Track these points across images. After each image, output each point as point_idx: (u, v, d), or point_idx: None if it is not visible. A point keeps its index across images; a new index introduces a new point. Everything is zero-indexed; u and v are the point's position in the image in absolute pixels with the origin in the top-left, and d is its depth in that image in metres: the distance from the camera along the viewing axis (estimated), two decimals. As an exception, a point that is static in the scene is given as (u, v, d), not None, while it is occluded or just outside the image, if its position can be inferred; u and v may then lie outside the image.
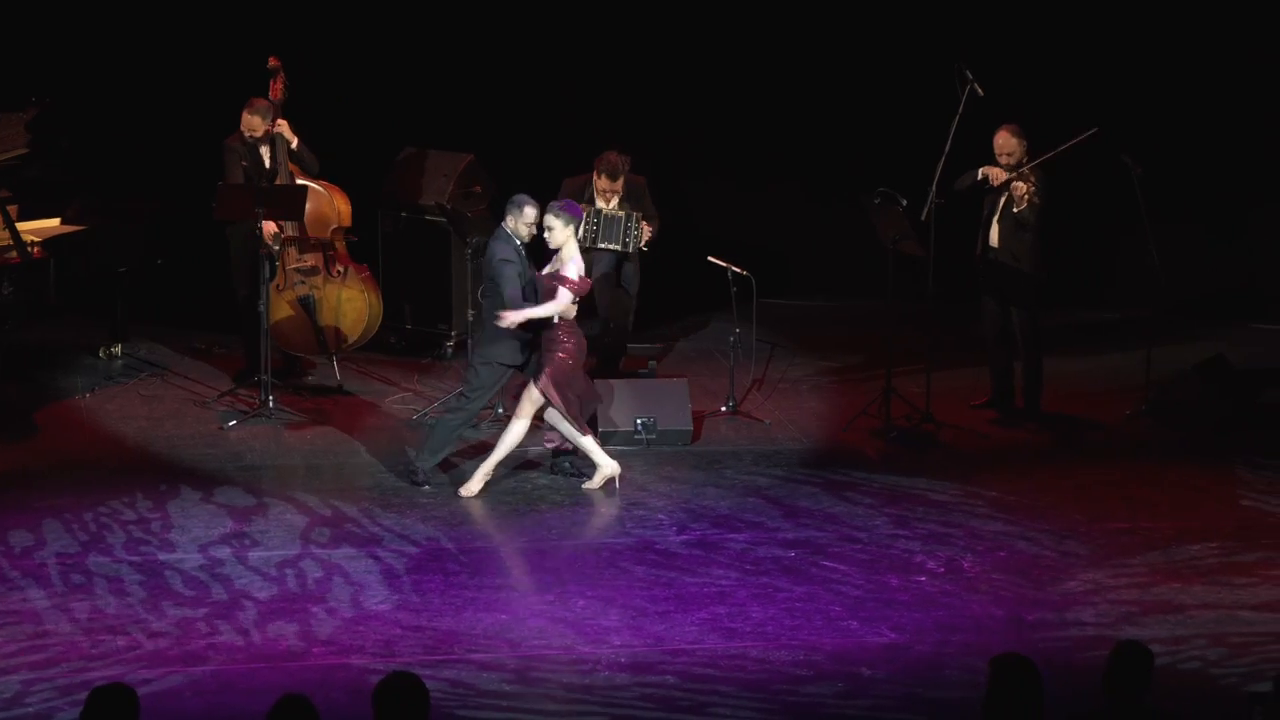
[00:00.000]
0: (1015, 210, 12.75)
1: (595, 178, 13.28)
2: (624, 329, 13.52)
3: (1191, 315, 15.19)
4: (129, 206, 13.79)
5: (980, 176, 12.82)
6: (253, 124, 13.12)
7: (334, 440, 12.57)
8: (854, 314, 15.34)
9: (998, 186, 12.79)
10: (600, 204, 13.27)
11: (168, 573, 10.35)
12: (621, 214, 13.19)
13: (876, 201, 12.88)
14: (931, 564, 10.65)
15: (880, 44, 15.77)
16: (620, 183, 13.23)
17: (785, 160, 15.95)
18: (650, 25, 15.84)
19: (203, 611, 9.88)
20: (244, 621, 9.75)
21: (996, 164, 12.83)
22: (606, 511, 11.41)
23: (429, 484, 11.58)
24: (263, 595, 10.10)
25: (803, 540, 10.97)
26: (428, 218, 14.26)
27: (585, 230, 13.18)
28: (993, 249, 12.94)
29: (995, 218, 12.90)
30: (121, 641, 9.49)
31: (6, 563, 10.45)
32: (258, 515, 11.16)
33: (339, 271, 13.54)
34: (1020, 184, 12.70)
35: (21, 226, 12.84)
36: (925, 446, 12.62)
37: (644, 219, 13.23)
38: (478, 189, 14.32)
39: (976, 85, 12.84)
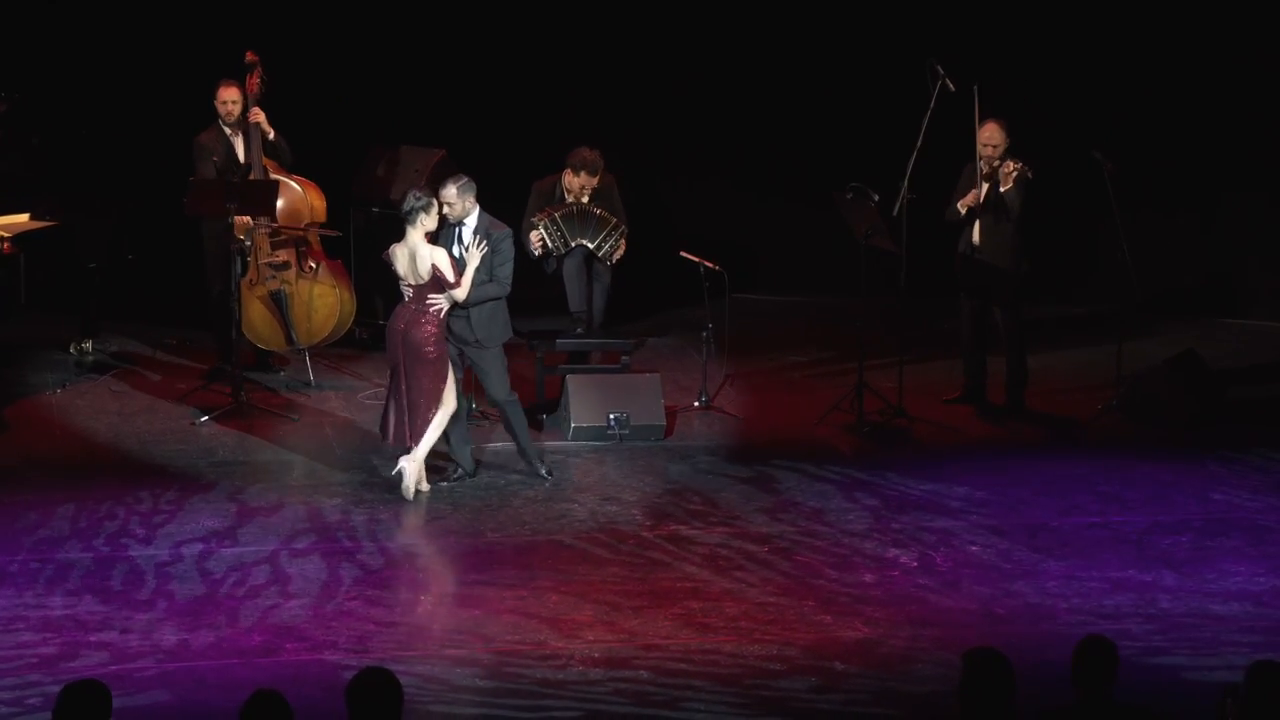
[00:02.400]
0: (1003, 190, 12.77)
1: (569, 176, 13.24)
2: (595, 324, 13.51)
3: (1162, 311, 15.25)
4: (99, 202, 13.74)
5: (963, 211, 12.87)
6: (230, 95, 13.12)
7: (306, 436, 12.55)
8: (826, 309, 15.36)
9: (982, 179, 12.80)
10: (572, 200, 13.24)
11: (139, 569, 10.32)
12: (598, 211, 13.14)
13: (849, 196, 12.91)
14: (904, 558, 10.67)
15: (852, 40, 15.79)
16: (598, 179, 13.20)
17: (757, 155, 15.97)
18: (621, 21, 15.84)
19: (175, 608, 9.85)
20: (216, 617, 9.72)
21: (973, 159, 12.87)
22: (580, 507, 11.40)
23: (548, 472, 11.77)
24: (235, 591, 10.07)
25: (775, 535, 10.98)
26: (399, 213, 14.20)
27: (551, 238, 13.11)
28: (974, 246, 12.96)
29: (977, 216, 12.92)
30: (94, 638, 9.46)
31: (-23, 559, 10.43)
32: (230, 511, 11.13)
33: (311, 267, 13.52)
34: (1009, 163, 12.73)
35: (7, 220, 12.79)
36: (898, 441, 12.65)
37: (618, 224, 13.16)
38: (449, 185, 14.29)
39: (948, 80, 12.86)
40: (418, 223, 11.18)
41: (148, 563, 10.40)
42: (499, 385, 11.58)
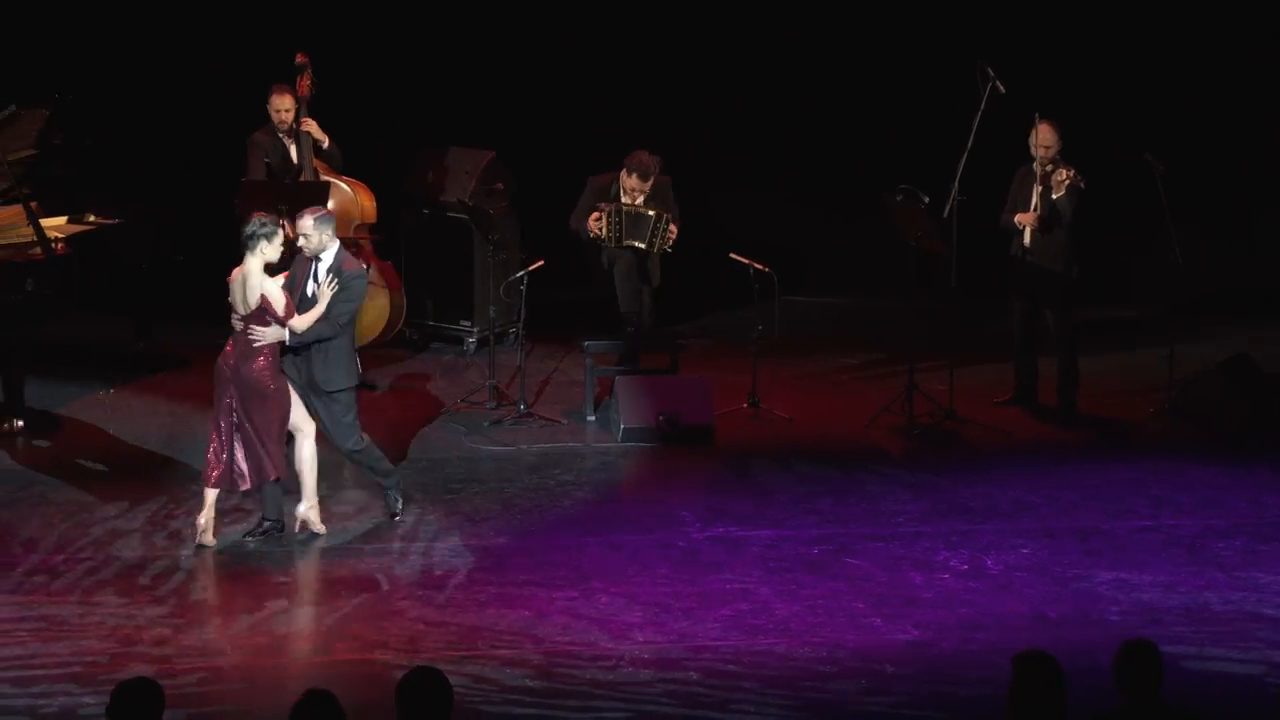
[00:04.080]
0: (1055, 198, 12.74)
1: (625, 176, 13.25)
2: (644, 326, 13.50)
3: (1214, 313, 15.16)
4: (151, 203, 13.80)
5: (1020, 226, 12.84)
6: (284, 103, 13.16)
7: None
8: (876, 311, 15.32)
9: (1037, 182, 12.77)
10: (626, 201, 13.26)
11: (192, 568, 10.36)
12: (651, 213, 13.17)
13: (899, 199, 12.89)
14: (955, 561, 10.64)
15: (902, 43, 15.76)
16: (650, 183, 13.21)
17: (808, 157, 15.94)
18: (673, 24, 15.84)
19: (227, 607, 9.89)
20: (270, 617, 9.75)
21: (1026, 163, 12.85)
22: (629, 508, 11.40)
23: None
24: (287, 591, 10.11)
25: (825, 537, 10.96)
26: (450, 214, 14.28)
27: (610, 227, 13.18)
28: (1025, 249, 12.92)
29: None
30: (146, 636, 9.51)
31: (30, 560, 10.47)
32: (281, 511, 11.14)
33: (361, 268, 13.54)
34: (1061, 170, 12.70)
35: (44, 223, 12.85)
36: (948, 443, 12.61)
37: (660, 214, 13.21)
38: (499, 186, 14.34)
39: (998, 83, 12.84)
40: (257, 249, 10.38)
41: (200, 562, 10.43)
42: (343, 435, 10.80)
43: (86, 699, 8.77)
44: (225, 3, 15.44)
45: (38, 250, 12.59)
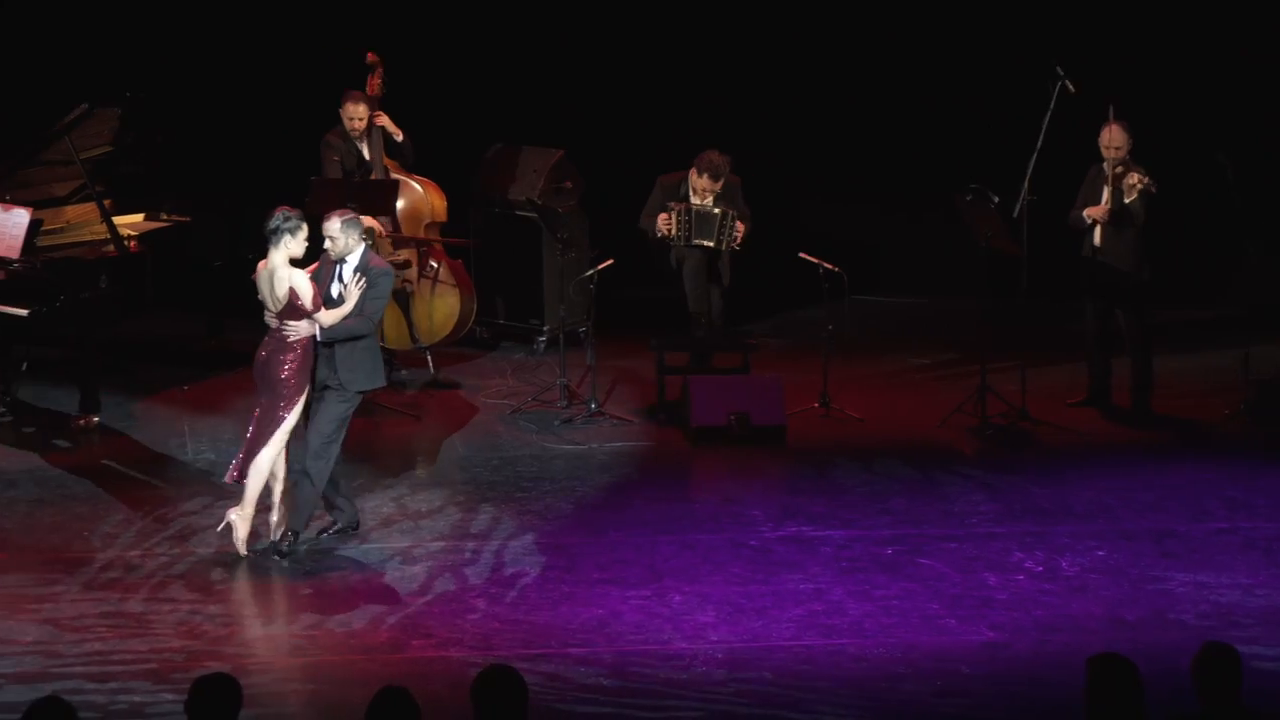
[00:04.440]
0: (1127, 201, 12.67)
1: (694, 176, 13.24)
2: (715, 325, 13.48)
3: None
4: (224, 201, 13.86)
5: (1088, 220, 12.77)
6: (357, 112, 13.20)
7: (429, 435, 12.61)
8: (947, 311, 15.26)
9: (1107, 183, 12.70)
10: (695, 201, 13.24)
11: (268, 565, 10.40)
12: (717, 211, 13.16)
13: (969, 198, 12.84)
14: (1030, 562, 10.58)
15: (973, 41, 15.69)
16: (720, 183, 13.20)
17: (878, 156, 15.89)
18: (745, 23, 15.81)
19: (304, 604, 9.92)
20: (344, 613, 9.78)
21: (1098, 162, 12.78)
22: (701, 508, 11.39)
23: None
24: (362, 588, 10.13)
25: (899, 538, 10.93)
26: (519, 213, 14.30)
27: (679, 226, 13.17)
28: (1096, 249, 12.85)
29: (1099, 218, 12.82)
30: (224, 632, 9.55)
31: (108, 555, 10.53)
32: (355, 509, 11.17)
33: (432, 267, 13.59)
34: (1133, 174, 12.63)
35: (117, 220, 12.94)
36: (1021, 444, 12.55)
37: (739, 218, 13.21)
38: (568, 185, 14.35)
39: (1068, 82, 12.79)
40: (281, 244, 10.28)
41: (276, 559, 10.46)
42: (324, 432, 10.38)
43: (165, 695, 8.82)
44: (297, 1, 15.49)
45: (111, 248, 12.68)
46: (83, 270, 12.53)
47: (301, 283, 10.34)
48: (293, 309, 10.35)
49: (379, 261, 10.72)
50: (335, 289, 10.52)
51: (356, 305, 10.45)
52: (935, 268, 15.57)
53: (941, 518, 11.24)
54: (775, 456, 12.27)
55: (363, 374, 10.53)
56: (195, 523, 10.96)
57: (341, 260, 10.53)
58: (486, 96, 15.56)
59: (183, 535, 10.80)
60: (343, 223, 10.52)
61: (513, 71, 15.66)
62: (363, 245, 10.59)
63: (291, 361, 10.36)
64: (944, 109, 15.72)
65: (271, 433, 10.33)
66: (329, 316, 10.39)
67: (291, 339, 10.37)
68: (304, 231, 10.38)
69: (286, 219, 10.35)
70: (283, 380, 10.34)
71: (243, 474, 10.40)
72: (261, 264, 10.44)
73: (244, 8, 15.48)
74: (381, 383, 10.81)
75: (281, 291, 10.33)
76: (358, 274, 10.50)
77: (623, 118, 15.67)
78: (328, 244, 10.53)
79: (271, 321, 10.45)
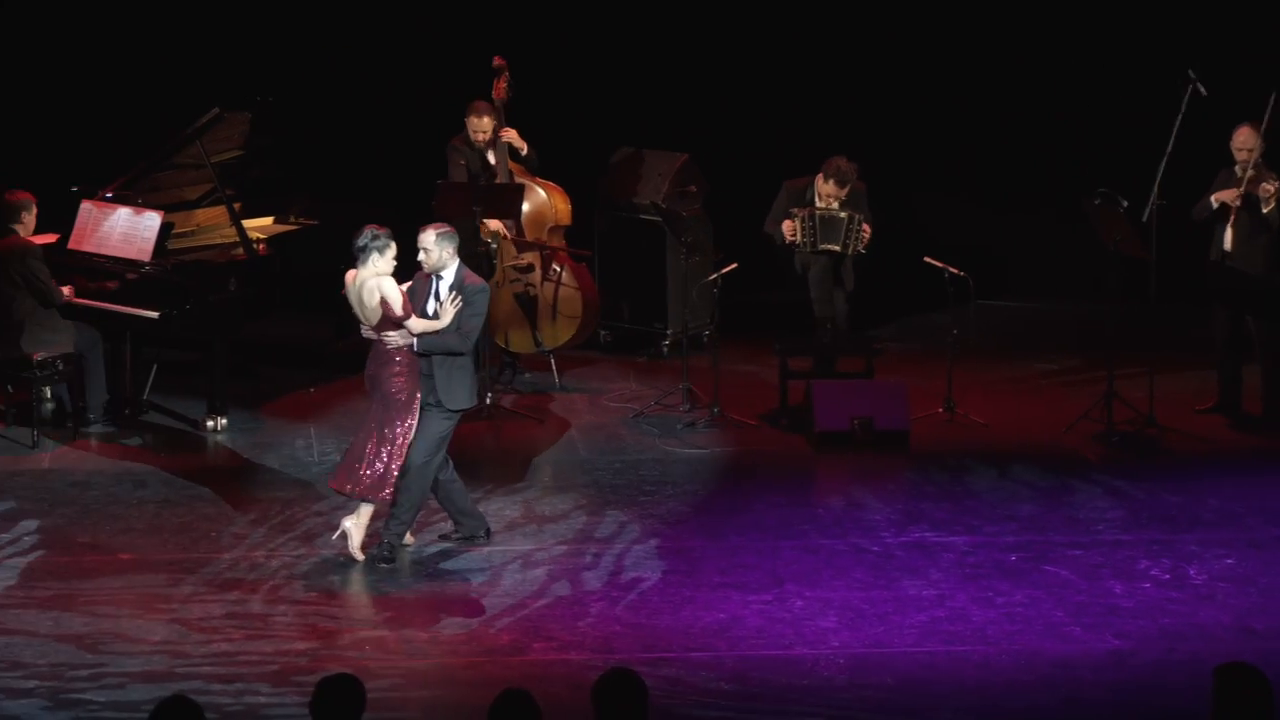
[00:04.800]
0: (1265, 211, 12.51)
1: (820, 182, 13.18)
2: (840, 330, 13.44)
3: None
4: (352, 205, 13.95)
5: (1215, 204, 12.63)
6: (482, 125, 13.27)
7: (551, 438, 12.65)
8: (1074, 316, 15.13)
9: (1239, 187, 12.56)
10: (821, 206, 13.20)
11: (391, 569, 10.46)
12: (843, 215, 13.11)
13: (1097, 203, 12.73)
14: (1156, 570, 10.47)
15: (1102, 45, 15.56)
16: (846, 189, 13.14)
17: (1005, 160, 15.78)
18: (870, 27, 15.76)
19: (426, 604, 9.98)
20: (466, 616, 9.84)
21: (1232, 161, 12.64)
22: (824, 513, 11.35)
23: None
24: (484, 590, 10.18)
25: (1023, 544, 10.84)
26: (643, 216, 14.32)
27: (804, 232, 13.13)
28: (1225, 253, 12.70)
29: (1229, 222, 12.66)
30: (347, 634, 9.63)
31: (236, 556, 10.63)
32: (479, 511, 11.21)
33: (555, 270, 13.64)
34: (1268, 184, 12.48)
35: (247, 224, 13.07)
36: (1148, 451, 12.42)
37: (852, 215, 13.15)
38: (692, 189, 14.35)
39: (1199, 85, 12.65)
40: (369, 262, 10.26)
41: (398, 562, 10.53)
42: (425, 449, 10.41)
43: (289, 695, 8.90)
44: (424, 6, 15.60)
45: (241, 251, 12.80)
46: (212, 273, 12.67)
47: (391, 291, 10.31)
48: (387, 320, 10.33)
49: (474, 278, 10.61)
50: (431, 306, 10.47)
51: (453, 322, 10.42)
52: (1063, 272, 15.44)
53: (1067, 524, 11.14)
54: (899, 462, 12.21)
55: (463, 392, 10.52)
56: (320, 524, 11.05)
57: (437, 275, 10.49)
58: (612, 100, 15.60)
59: (307, 536, 10.90)
60: (437, 235, 10.44)
61: (638, 75, 15.68)
62: (456, 260, 10.51)
63: (399, 374, 10.36)
64: (1073, 112, 15.59)
65: (401, 447, 10.34)
66: (419, 324, 10.35)
67: (392, 349, 10.37)
68: (392, 250, 10.34)
69: (375, 237, 10.29)
70: (394, 395, 10.36)
71: (353, 485, 10.35)
72: (350, 275, 10.42)
73: (373, 13, 15.60)
74: (475, 400, 10.79)
75: (373, 302, 10.30)
76: (453, 292, 10.44)
77: (748, 121, 15.65)
78: (421, 256, 10.47)
79: (369, 335, 10.46)
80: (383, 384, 10.38)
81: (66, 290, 12.45)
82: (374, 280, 10.29)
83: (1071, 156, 15.32)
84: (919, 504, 11.47)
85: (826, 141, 13.54)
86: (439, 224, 10.58)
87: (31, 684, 9.01)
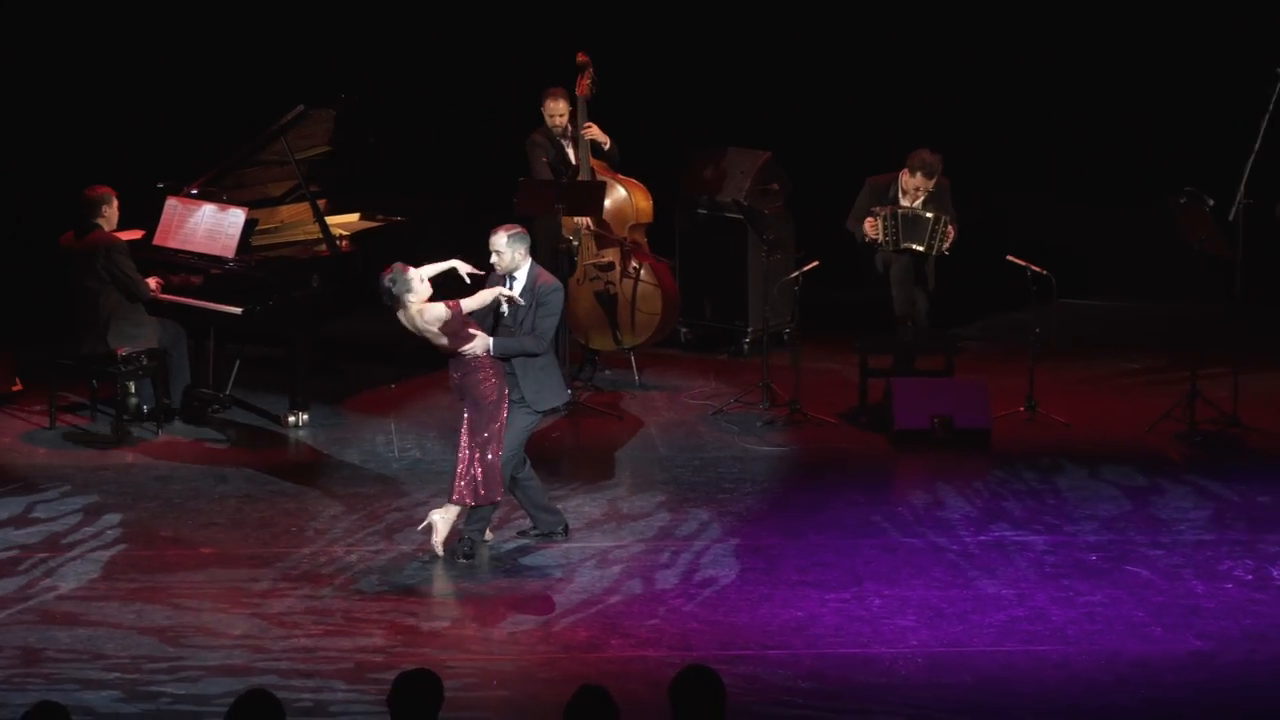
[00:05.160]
0: None
1: (906, 176, 13.13)
2: (920, 328, 13.39)
3: None
4: (430, 202, 14.01)
5: None
6: (558, 108, 13.30)
7: (630, 435, 12.67)
8: (1158, 315, 15.04)
9: None
10: (905, 203, 13.15)
11: (469, 565, 10.49)
12: (930, 215, 13.05)
13: (1183, 201, 12.64)
14: (1239, 571, 10.39)
15: (1188, 42, 15.44)
16: (933, 181, 13.09)
17: (1089, 158, 15.70)
18: (950, 25, 15.70)
19: (502, 604, 10.01)
20: (544, 613, 9.86)
21: None
22: (903, 511, 11.32)
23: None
24: (562, 587, 10.20)
25: (1104, 544, 10.78)
26: (725, 214, 14.31)
27: (886, 231, 13.08)
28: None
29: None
30: (425, 629, 9.67)
31: (315, 551, 10.69)
32: (557, 507, 11.23)
33: (635, 268, 13.65)
34: None
35: (331, 221, 13.14)
36: (1232, 451, 12.32)
37: (939, 216, 13.10)
38: (774, 186, 14.33)
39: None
40: (407, 303, 10.26)
41: (476, 559, 10.56)
42: (508, 445, 10.40)
43: (367, 690, 8.94)
44: (509, 1, 15.64)
45: (323, 247, 12.87)
46: (295, 270, 12.74)
47: (437, 311, 10.26)
48: (454, 333, 10.33)
49: (548, 278, 10.60)
50: (505, 308, 10.49)
51: (529, 324, 10.44)
52: (1146, 271, 15.35)
53: (1148, 524, 11.07)
54: (979, 460, 12.15)
55: (548, 391, 10.55)
56: (400, 520, 11.10)
57: (510, 276, 10.50)
58: (695, 97, 15.60)
59: (388, 532, 10.95)
60: (509, 237, 10.46)
61: (721, 73, 15.68)
62: (529, 261, 10.52)
63: (486, 378, 10.37)
64: (1159, 109, 15.49)
65: (497, 445, 10.37)
66: (471, 302, 10.30)
67: (469, 356, 10.38)
68: (414, 276, 10.26)
69: (393, 282, 10.24)
70: (484, 397, 10.37)
71: (472, 494, 10.38)
72: (401, 314, 10.37)
73: (455, 9, 15.65)
74: (566, 396, 10.72)
75: (434, 326, 10.29)
76: (525, 294, 10.42)
77: (830, 119, 15.62)
78: (494, 258, 10.47)
79: (444, 348, 10.45)
80: (471, 389, 10.40)
81: (153, 283, 12.56)
82: (418, 307, 10.26)
83: (1157, 154, 15.21)
84: (999, 503, 11.43)
85: (908, 139, 13.48)
86: (510, 225, 10.58)
87: (112, 676, 9.10)
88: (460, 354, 10.37)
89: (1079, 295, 14.86)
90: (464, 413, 10.45)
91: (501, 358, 10.41)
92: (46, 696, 8.18)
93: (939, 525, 11.08)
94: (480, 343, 10.36)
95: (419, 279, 10.33)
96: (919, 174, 13.06)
